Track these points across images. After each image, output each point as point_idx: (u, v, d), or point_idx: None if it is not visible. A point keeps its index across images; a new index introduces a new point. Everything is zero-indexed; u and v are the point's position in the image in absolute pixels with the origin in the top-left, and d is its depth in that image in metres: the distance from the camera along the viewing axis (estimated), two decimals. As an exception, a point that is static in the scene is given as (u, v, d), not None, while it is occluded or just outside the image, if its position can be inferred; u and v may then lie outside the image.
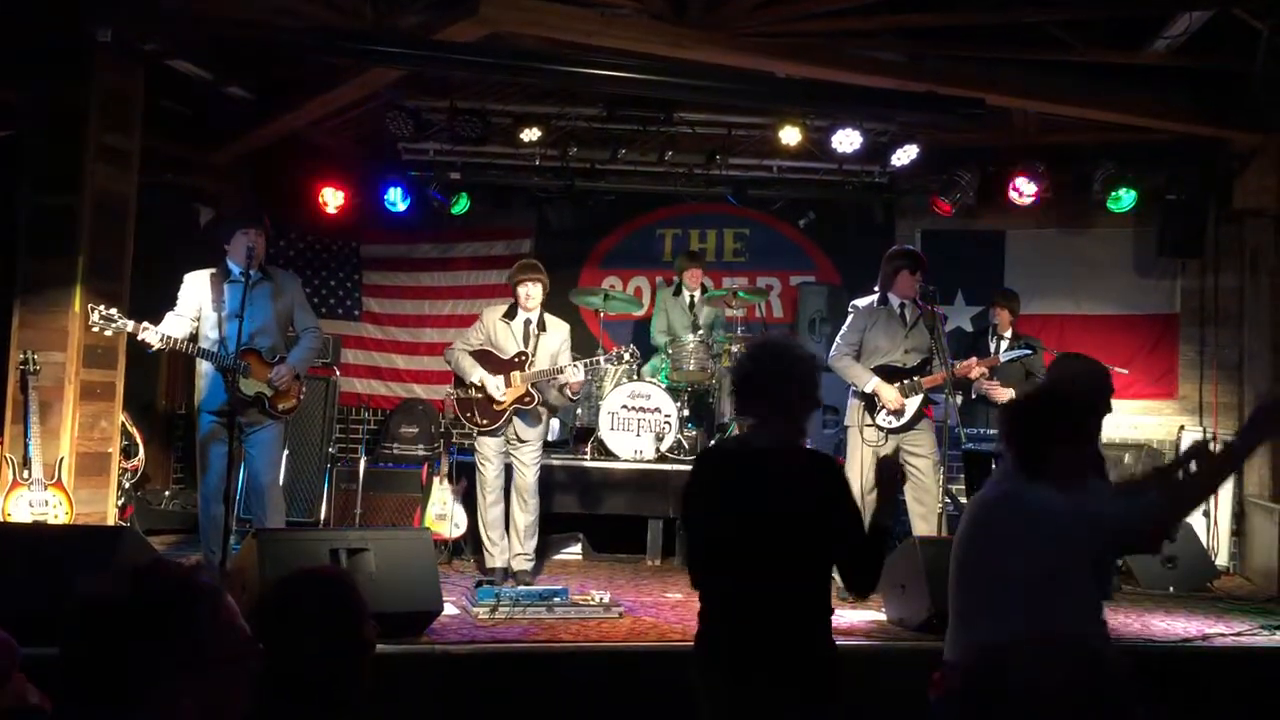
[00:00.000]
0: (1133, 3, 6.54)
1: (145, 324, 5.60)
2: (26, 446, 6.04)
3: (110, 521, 6.47)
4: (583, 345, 7.87)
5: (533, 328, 6.60)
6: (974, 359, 6.85)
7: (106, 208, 6.42)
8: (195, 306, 5.85)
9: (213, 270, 5.89)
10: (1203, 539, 7.59)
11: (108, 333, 5.61)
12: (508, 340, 6.59)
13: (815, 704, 3.02)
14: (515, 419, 6.54)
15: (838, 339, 6.60)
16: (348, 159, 9.20)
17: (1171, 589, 7.00)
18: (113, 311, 5.54)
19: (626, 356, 6.85)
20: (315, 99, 7.80)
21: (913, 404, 6.32)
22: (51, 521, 5.90)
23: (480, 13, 6.20)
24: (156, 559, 1.89)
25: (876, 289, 6.59)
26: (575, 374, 6.52)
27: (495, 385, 6.45)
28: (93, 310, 5.53)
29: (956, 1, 6.43)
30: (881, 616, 5.84)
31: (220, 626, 1.76)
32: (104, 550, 4.63)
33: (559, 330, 6.71)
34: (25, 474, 6.00)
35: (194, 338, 5.82)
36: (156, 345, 5.62)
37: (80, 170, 6.28)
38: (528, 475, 6.59)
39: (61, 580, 4.26)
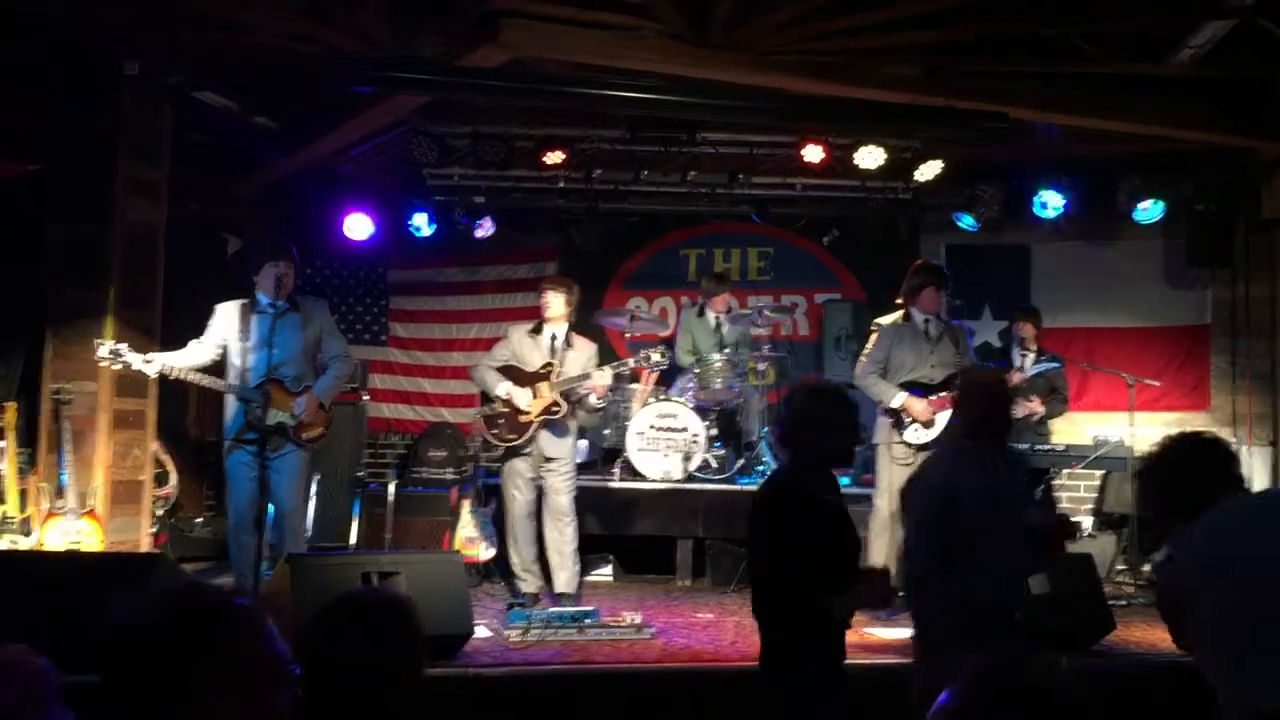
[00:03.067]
0: (1155, 13, 6.51)
1: (149, 356, 5.71)
2: (60, 475, 6.11)
3: (143, 549, 6.52)
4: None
5: (559, 342, 6.53)
6: (1013, 371, 6.88)
7: (136, 239, 6.52)
8: (220, 337, 5.91)
9: (244, 301, 5.95)
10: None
11: (116, 367, 5.68)
12: (533, 354, 6.52)
13: None
14: (542, 432, 6.42)
15: (863, 357, 6.59)
16: (373, 186, 9.26)
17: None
18: (122, 346, 5.65)
19: (656, 356, 6.59)
20: (339, 127, 7.86)
21: (941, 419, 6.29)
22: (85, 549, 5.95)
23: (502, 38, 6.23)
24: (192, 582, 1.91)
25: (900, 303, 6.58)
26: (603, 377, 6.38)
27: (522, 396, 6.37)
28: (99, 345, 5.62)
29: (977, 15, 6.42)
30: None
31: (259, 649, 1.77)
32: (138, 577, 4.65)
33: (586, 348, 6.60)
34: (59, 503, 6.06)
35: (211, 368, 5.88)
36: (152, 375, 5.79)
37: (110, 202, 6.39)
38: (562, 499, 6.48)
39: (96, 608, 4.29)
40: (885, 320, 6.61)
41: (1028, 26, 6.56)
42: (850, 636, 5.80)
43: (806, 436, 3.59)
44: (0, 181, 6.62)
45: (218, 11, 6.10)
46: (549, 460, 6.47)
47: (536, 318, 6.67)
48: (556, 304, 6.51)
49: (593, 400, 6.57)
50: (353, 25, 6.34)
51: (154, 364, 5.69)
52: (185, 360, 5.81)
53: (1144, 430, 8.44)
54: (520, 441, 6.41)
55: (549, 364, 6.46)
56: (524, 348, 6.55)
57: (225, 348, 5.90)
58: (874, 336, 6.60)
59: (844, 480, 8.09)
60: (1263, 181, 8.08)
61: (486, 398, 6.55)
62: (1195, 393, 9.09)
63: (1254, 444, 8.39)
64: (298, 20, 6.23)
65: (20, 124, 6.73)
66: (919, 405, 6.25)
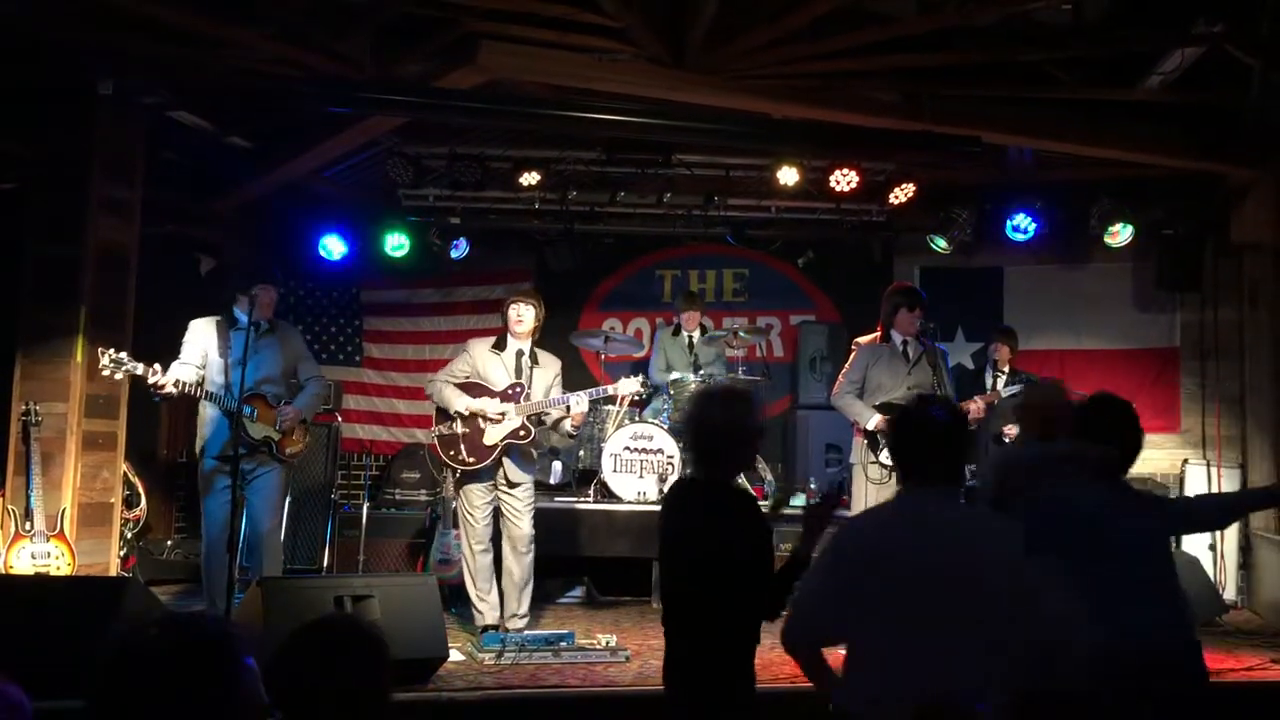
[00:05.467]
0: (1125, 40, 6.59)
1: (156, 366, 5.59)
2: (29, 498, 6.04)
3: (112, 572, 6.46)
4: (583, 387, 7.85)
5: (525, 359, 6.17)
6: (976, 397, 6.88)
7: (108, 258, 6.46)
8: (201, 353, 5.84)
9: (219, 317, 5.90)
10: (1210, 573, 7.55)
11: (118, 376, 5.61)
12: (498, 372, 6.15)
13: None
14: (506, 459, 6.06)
15: (840, 377, 6.61)
16: (348, 206, 9.24)
17: (1180, 624, 6.95)
18: (123, 355, 5.53)
19: (636, 386, 6.41)
20: (316, 147, 7.83)
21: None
22: (54, 573, 5.89)
23: (479, 60, 6.24)
24: (186, 612, 1.91)
25: (879, 327, 6.62)
26: (580, 404, 6.09)
27: (493, 407, 6.01)
28: (103, 354, 5.53)
29: (951, 41, 6.48)
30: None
31: (247, 678, 1.77)
32: (108, 602, 4.60)
33: (552, 364, 6.27)
34: (27, 525, 5.99)
35: (202, 384, 5.81)
36: (169, 389, 5.58)
37: (82, 221, 6.33)
38: (522, 525, 6.09)
39: (65, 633, 4.24)
40: (864, 340, 6.64)
41: (1001, 54, 6.62)
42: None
43: (745, 446, 3.47)
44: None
45: (198, 33, 6.08)
46: (512, 484, 6.13)
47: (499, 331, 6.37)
48: (529, 318, 6.17)
49: (567, 426, 6.31)
50: (333, 48, 6.33)
51: (169, 376, 5.57)
52: (188, 378, 5.72)
53: (1116, 452, 8.49)
54: (481, 466, 6.04)
55: (517, 384, 6.15)
56: (488, 366, 6.18)
57: (205, 362, 5.84)
58: (852, 355, 6.63)
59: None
60: (1231, 206, 8.17)
61: (442, 415, 6.17)
62: (1165, 415, 9.17)
63: (1224, 466, 8.45)
64: (278, 43, 6.22)
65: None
66: (893, 429, 6.26)
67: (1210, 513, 4.20)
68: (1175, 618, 3.49)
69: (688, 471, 3.59)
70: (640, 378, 6.62)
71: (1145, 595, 3.44)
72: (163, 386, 5.56)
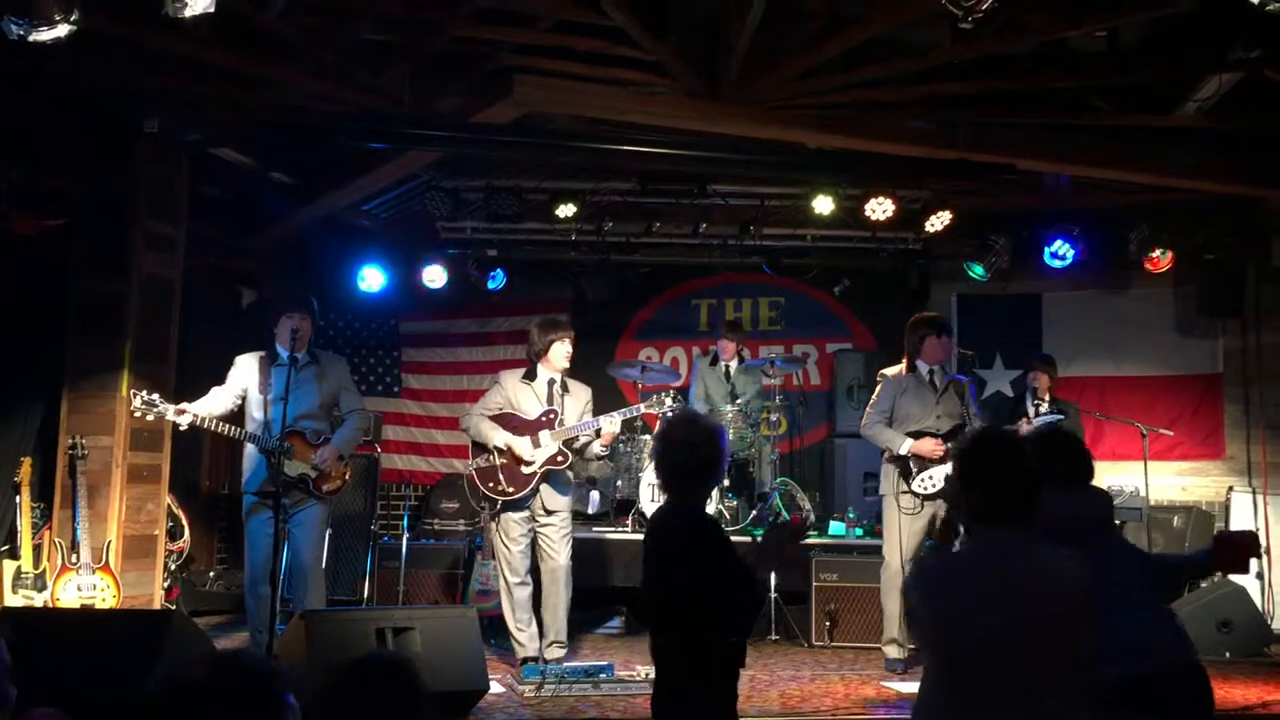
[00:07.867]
0: (1162, 67, 6.56)
1: (183, 405, 5.67)
2: (75, 530, 6.12)
3: (156, 604, 6.52)
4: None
5: (556, 388, 6.19)
6: (1019, 423, 6.84)
7: (153, 293, 6.57)
8: (241, 387, 5.90)
9: (262, 353, 5.95)
10: (1258, 602, 7.43)
11: (149, 418, 5.67)
12: (530, 402, 6.17)
13: None
14: (544, 485, 6.06)
15: (868, 409, 6.57)
16: (387, 239, 9.34)
17: (1227, 654, 6.85)
18: (155, 397, 5.60)
19: (669, 401, 6.26)
20: (355, 182, 7.93)
21: (948, 468, 6.25)
22: (99, 605, 5.96)
23: (515, 94, 6.31)
24: (230, 652, 1.93)
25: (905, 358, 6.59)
26: (611, 424, 6.06)
27: (523, 446, 6.04)
28: (134, 395, 5.61)
29: (986, 70, 6.48)
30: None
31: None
32: (153, 634, 4.64)
33: (582, 392, 6.29)
34: (74, 558, 6.07)
35: (232, 417, 5.87)
36: (184, 426, 5.70)
37: (128, 257, 6.44)
38: (559, 556, 6.07)
39: (112, 665, 4.29)
40: (890, 371, 6.62)
41: (1037, 81, 6.61)
42: (867, 690, 5.81)
43: (713, 473, 3.54)
44: (21, 237, 6.68)
45: (240, 71, 6.19)
46: (548, 512, 6.11)
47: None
48: (569, 351, 6.23)
49: (596, 448, 6.26)
50: (370, 84, 6.43)
51: (187, 415, 5.66)
52: (213, 407, 5.80)
53: (1158, 480, 8.42)
54: (520, 495, 6.03)
55: (551, 411, 6.15)
56: (520, 395, 6.20)
57: (245, 397, 5.90)
58: (878, 388, 6.61)
59: (858, 531, 8.09)
60: (1273, 230, 8.11)
61: (479, 449, 6.18)
62: (1209, 442, 9.06)
63: (1270, 493, 8.33)
64: (317, 80, 6.31)
65: (42, 180, 6.82)
66: (928, 444, 6.22)
67: (1164, 577, 4.02)
68: (1177, 636, 3.44)
69: (664, 499, 3.64)
70: (674, 393, 6.51)
71: (1148, 616, 3.41)
72: (180, 425, 5.71)
